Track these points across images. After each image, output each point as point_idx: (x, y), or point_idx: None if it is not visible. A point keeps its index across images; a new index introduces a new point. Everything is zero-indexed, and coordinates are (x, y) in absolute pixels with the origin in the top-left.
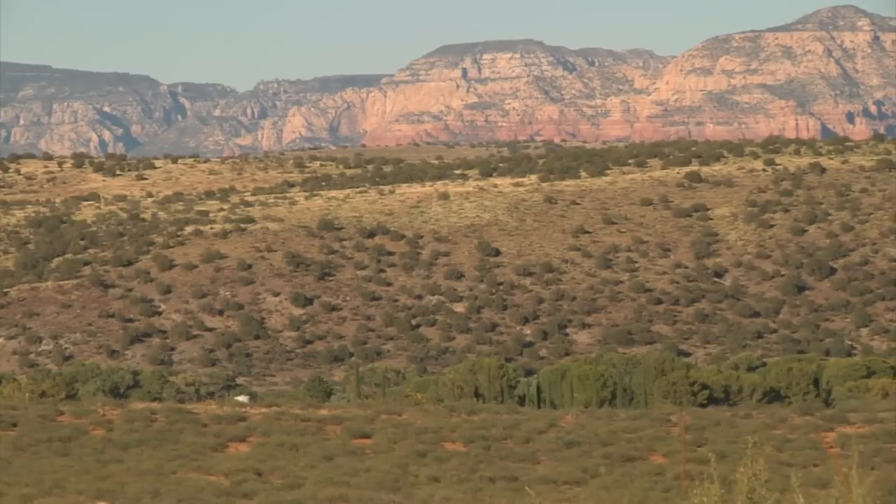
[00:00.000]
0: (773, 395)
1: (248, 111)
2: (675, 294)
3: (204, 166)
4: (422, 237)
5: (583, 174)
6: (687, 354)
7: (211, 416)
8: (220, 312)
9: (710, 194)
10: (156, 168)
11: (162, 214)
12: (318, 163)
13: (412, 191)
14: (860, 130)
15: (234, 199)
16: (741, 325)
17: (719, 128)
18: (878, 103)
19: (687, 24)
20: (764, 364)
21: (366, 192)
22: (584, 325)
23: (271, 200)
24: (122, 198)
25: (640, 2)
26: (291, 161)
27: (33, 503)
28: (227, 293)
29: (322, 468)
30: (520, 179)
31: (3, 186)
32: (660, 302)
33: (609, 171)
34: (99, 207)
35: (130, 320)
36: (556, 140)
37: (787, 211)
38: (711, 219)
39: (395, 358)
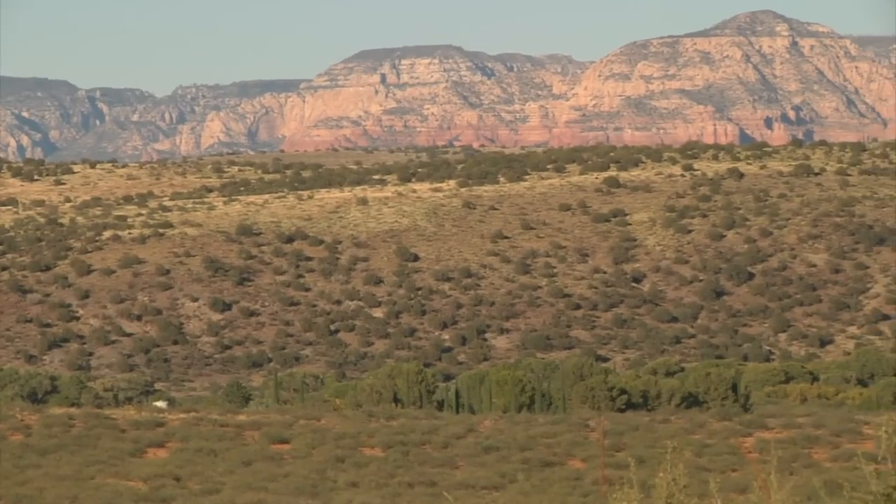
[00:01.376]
0: (692, 401)
1: (167, 116)
2: (593, 299)
3: (122, 171)
4: (340, 242)
5: (501, 179)
6: (605, 359)
7: (129, 422)
8: (139, 318)
9: (629, 199)
10: (74, 173)
11: (80, 219)
12: (236, 168)
13: (331, 196)
14: (778, 136)
15: (153, 204)
16: (659, 330)
17: (638, 133)
18: (797, 108)
19: (605, 30)
20: (682, 369)
21: (284, 197)
22: (502, 331)
23: (190, 205)
24: (40, 203)
25: (559, 7)
26: (210, 166)
27: None
28: (146, 298)
29: (240, 473)
30: (438, 185)
31: None
32: (578, 307)
33: (528, 177)
34: (17, 212)
35: (48, 325)
36: (475, 145)
37: (705, 216)
38: (630, 224)
39: (313, 363)
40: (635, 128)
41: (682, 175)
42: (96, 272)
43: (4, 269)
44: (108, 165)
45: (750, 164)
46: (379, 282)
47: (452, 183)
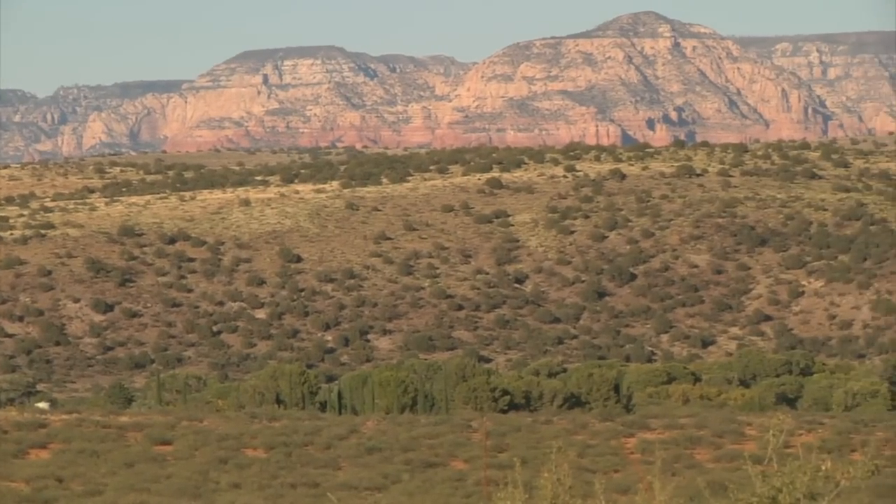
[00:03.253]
0: (574, 401)
1: (49, 117)
2: (476, 300)
3: (3, 172)
4: (223, 243)
5: (384, 180)
6: (488, 360)
7: (11, 423)
8: (20, 318)
9: (511, 200)
10: None
11: None
12: (118, 169)
13: (213, 197)
14: (660, 137)
15: (34, 204)
16: (542, 330)
17: (520, 134)
18: (679, 109)
19: (488, 31)
20: (564, 370)
21: (167, 198)
22: (385, 332)
23: (71, 206)
24: None
25: (441, 8)
26: (92, 167)
27: None
28: (28, 299)
29: (123, 475)
30: (321, 186)
31: None
32: (461, 308)
33: (410, 178)
34: None
35: None
36: (358, 146)
37: (587, 217)
38: (512, 225)
39: (196, 364)
40: (518, 129)
41: (565, 176)
42: None
43: None
44: None
45: (632, 165)
46: (261, 283)
47: (335, 184)
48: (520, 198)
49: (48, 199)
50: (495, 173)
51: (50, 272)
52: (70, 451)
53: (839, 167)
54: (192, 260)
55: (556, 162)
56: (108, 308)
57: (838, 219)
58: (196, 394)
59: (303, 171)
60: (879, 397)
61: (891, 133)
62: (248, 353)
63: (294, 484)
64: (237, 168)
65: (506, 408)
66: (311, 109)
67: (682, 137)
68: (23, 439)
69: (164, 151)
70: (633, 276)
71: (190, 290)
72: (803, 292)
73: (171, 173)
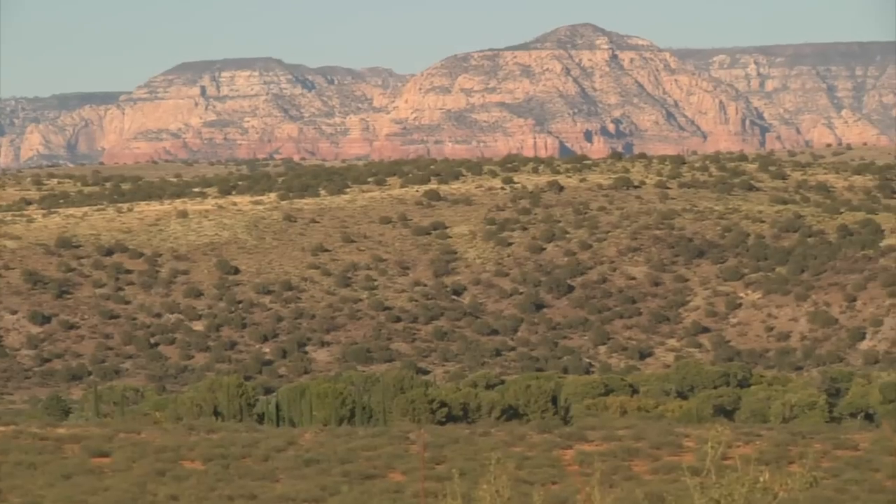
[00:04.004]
0: (512, 413)
1: None
2: (413, 312)
3: None
4: (161, 255)
5: (322, 192)
6: (426, 372)
7: None
8: None
9: (449, 212)
10: None
11: None
12: (55, 180)
13: (151, 209)
14: (598, 149)
15: None
16: (480, 342)
17: (458, 146)
18: (616, 122)
19: (425, 43)
20: (502, 382)
21: (104, 209)
22: (323, 344)
23: (8, 218)
24: None
25: (379, 20)
26: (29, 179)
27: None
28: None
29: (60, 487)
30: (259, 197)
31: None
32: (399, 320)
33: (348, 190)
34: None
35: None
36: (296, 158)
37: (525, 229)
38: (450, 237)
39: (133, 376)
40: (456, 141)
41: (503, 188)
42: None
43: None
44: None
45: (570, 177)
46: (199, 295)
47: (273, 196)
48: (458, 210)
49: None
50: (433, 185)
51: None
52: (7, 463)
53: (777, 179)
54: (129, 272)
55: (493, 174)
56: (46, 320)
57: (776, 231)
58: (133, 406)
59: (240, 182)
60: (817, 409)
61: (828, 145)
62: (186, 364)
63: (232, 496)
64: (175, 180)
65: (443, 420)
66: (248, 121)
67: (620, 149)
68: None
69: (102, 163)
70: (571, 288)
71: (127, 302)
72: (741, 304)
73: (108, 185)
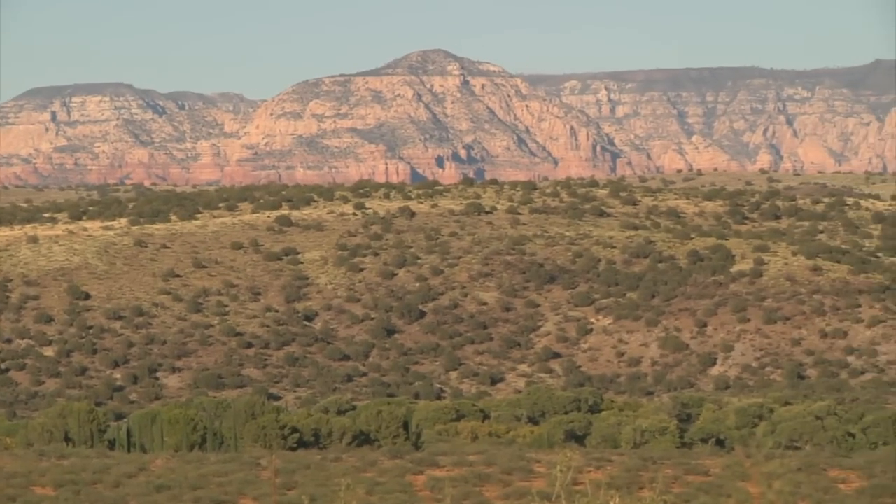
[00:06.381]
0: (363, 439)
1: None
2: (265, 338)
3: None
4: (11, 280)
5: (173, 218)
6: (277, 398)
7: None
8: None
9: (301, 238)
10: None
11: None
12: None
13: (1, 234)
14: (449, 174)
15: None
16: (331, 368)
17: (310, 172)
18: (468, 147)
19: (276, 69)
20: (354, 407)
21: None
22: (174, 369)
23: None
24: None
25: (230, 45)
26: None
27: None
28: None
29: None
30: (110, 223)
31: None
32: (250, 345)
33: (199, 215)
34: None
35: None
36: (147, 183)
37: (377, 255)
38: (302, 262)
39: None
40: (307, 166)
41: (354, 214)
42: None
43: None
44: None
45: (421, 202)
46: (50, 320)
47: (124, 221)
48: (309, 235)
49: None
50: (284, 211)
51: None
52: None
53: (627, 205)
54: None
55: (345, 199)
56: None
57: (626, 256)
58: None
59: (91, 208)
60: (668, 434)
61: (679, 171)
62: (37, 390)
63: None
64: (25, 205)
65: (295, 445)
66: (99, 146)
67: (471, 175)
68: None
69: None
70: (423, 314)
71: None
72: (592, 329)
73: None
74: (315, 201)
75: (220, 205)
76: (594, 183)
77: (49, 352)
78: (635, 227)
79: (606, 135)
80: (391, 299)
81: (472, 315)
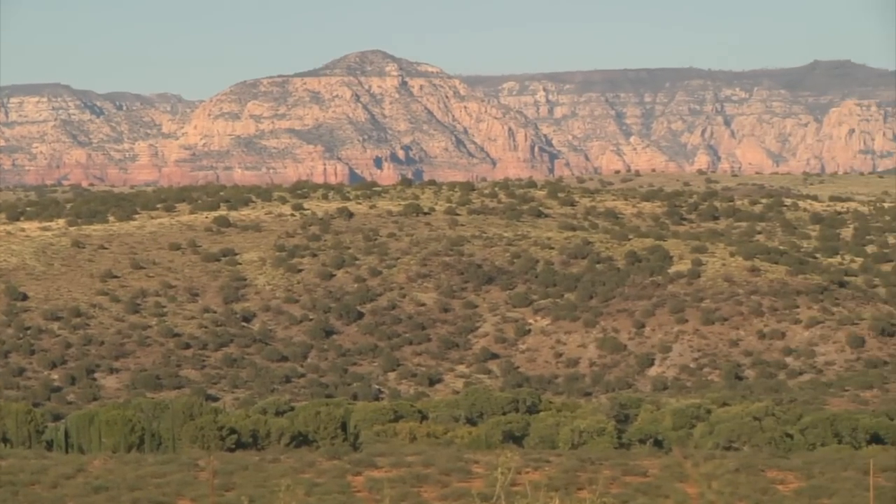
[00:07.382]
0: (302, 440)
1: None
2: (203, 338)
3: None
4: None
5: (111, 218)
6: (215, 399)
7: None
8: None
9: (239, 239)
10: None
11: None
12: None
13: None
14: (388, 175)
15: None
16: (269, 369)
17: (248, 172)
18: (406, 148)
19: (214, 69)
20: (292, 408)
21: None
22: (112, 370)
23: None
24: None
25: (167, 46)
26: None
27: None
28: None
29: None
30: (47, 223)
31: None
32: (188, 346)
33: (137, 216)
34: None
35: None
36: (84, 184)
37: (315, 255)
38: (240, 263)
39: None
40: (245, 167)
41: (292, 214)
42: None
43: None
44: None
45: (359, 203)
46: None
47: (61, 222)
48: (247, 236)
49: None
50: (223, 212)
51: None
52: None
53: (565, 206)
54: None
55: (283, 200)
56: None
57: (564, 257)
58: None
59: (28, 208)
60: (606, 435)
61: (617, 171)
62: None
63: None
64: None
65: (233, 446)
66: (37, 147)
67: (410, 176)
68: None
69: None
70: (361, 315)
71: None
72: (530, 330)
73: None
74: (253, 202)
75: (158, 205)
76: (532, 184)
77: None
78: (573, 228)
79: (544, 136)
80: (329, 300)
81: (411, 316)
